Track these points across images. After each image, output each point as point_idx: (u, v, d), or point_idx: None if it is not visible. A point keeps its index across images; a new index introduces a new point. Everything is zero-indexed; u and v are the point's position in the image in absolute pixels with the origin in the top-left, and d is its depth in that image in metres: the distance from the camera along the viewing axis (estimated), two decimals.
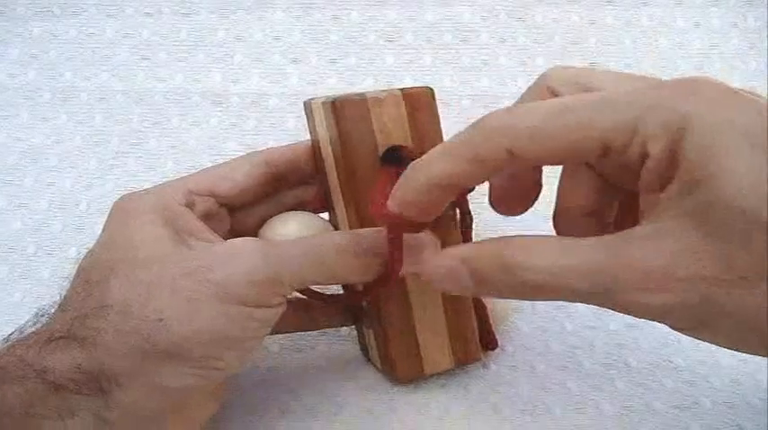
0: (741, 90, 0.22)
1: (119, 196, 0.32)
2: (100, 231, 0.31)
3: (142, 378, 0.26)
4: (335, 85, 0.47)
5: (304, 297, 0.36)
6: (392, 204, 0.27)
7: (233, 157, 0.35)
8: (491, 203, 0.31)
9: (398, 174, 0.32)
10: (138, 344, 0.26)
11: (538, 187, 0.30)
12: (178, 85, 0.47)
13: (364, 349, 0.38)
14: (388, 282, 0.31)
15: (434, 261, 0.27)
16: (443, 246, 0.33)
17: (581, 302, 0.23)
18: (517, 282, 0.23)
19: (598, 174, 0.29)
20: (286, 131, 0.46)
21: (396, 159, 0.33)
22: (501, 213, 0.31)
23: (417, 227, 0.29)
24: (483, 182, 0.26)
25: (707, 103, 0.21)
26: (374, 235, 0.31)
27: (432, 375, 0.36)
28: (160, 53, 0.48)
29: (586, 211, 0.30)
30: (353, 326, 0.39)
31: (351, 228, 0.33)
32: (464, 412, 0.35)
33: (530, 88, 0.29)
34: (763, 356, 0.23)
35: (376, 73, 0.47)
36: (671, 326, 0.24)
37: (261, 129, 0.46)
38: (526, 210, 0.31)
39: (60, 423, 0.25)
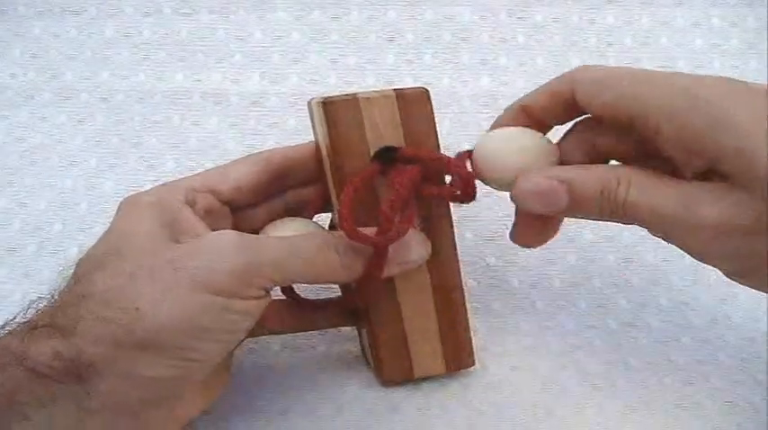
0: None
1: (119, 196, 0.32)
2: (100, 231, 0.31)
3: (118, 367, 0.27)
4: (336, 85, 0.47)
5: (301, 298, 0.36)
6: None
7: (233, 157, 0.35)
8: (511, 236, 0.35)
9: (382, 173, 0.32)
10: (114, 333, 0.27)
11: (555, 231, 0.35)
12: (178, 84, 0.47)
13: (363, 348, 0.38)
14: (372, 283, 0.31)
15: (525, 179, 0.31)
16: (435, 245, 0.33)
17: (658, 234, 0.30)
18: (615, 207, 0.29)
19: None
20: (286, 131, 0.46)
21: (387, 160, 0.33)
22: (518, 244, 0.35)
23: (384, 244, 0.30)
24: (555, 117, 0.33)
25: (739, 100, 0.27)
26: None
27: (424, 378, 0.36)
28: (160, 53, 0.48)
29: None
30: (354, 327, 0.39)
31: None
32: (464, 412, 0.35)
33: (554, 82, 0.32)
34: None
35: (376, 73, 0.47)
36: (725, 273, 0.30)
37: (261, 129, 0.46)
38: (538, 246, 0.35)
39: (43, 410, 0.26)
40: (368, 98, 0.32)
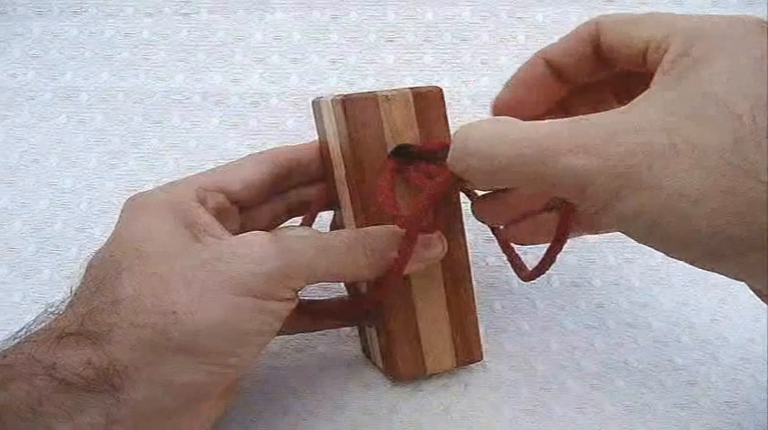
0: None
1: (119, 196, 0.32)
2: (101, 231, 0.31)
3: (154, 373, 0.26)
4: (336, 85, 0.47)
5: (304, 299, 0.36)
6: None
7: (233, 157, 0.35)
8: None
9: (403, 167, 0.32)
10: (151, 338, 0.26)
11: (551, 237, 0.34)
12: (179, 84, 0.47)
13: (366, 348, 0.38)
14: (393, 279, 0.32)
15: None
16: (448, 241, 0.34)
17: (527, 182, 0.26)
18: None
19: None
20: (286, 131, 0.46)
21: (403, 157, 0.33)
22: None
23: (427, 228, 0.31)
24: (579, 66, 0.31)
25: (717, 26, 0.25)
26: (382, 232, 0.31)
27: (433, 375, 0.36)
28: (160, 53, 0.48)
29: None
30: (354, 327, 0.39)
31: (358, 224, 0.34)
32: (464, 412, 0.35)
33: (577, 31, 0.31)
34: (666, 250, 0.24)
35: (376, 73, 0.47)
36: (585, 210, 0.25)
37: (261, 129, 0.46)
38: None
39: (69, 421, 0.25)
40: (386, 96, 0.33)
